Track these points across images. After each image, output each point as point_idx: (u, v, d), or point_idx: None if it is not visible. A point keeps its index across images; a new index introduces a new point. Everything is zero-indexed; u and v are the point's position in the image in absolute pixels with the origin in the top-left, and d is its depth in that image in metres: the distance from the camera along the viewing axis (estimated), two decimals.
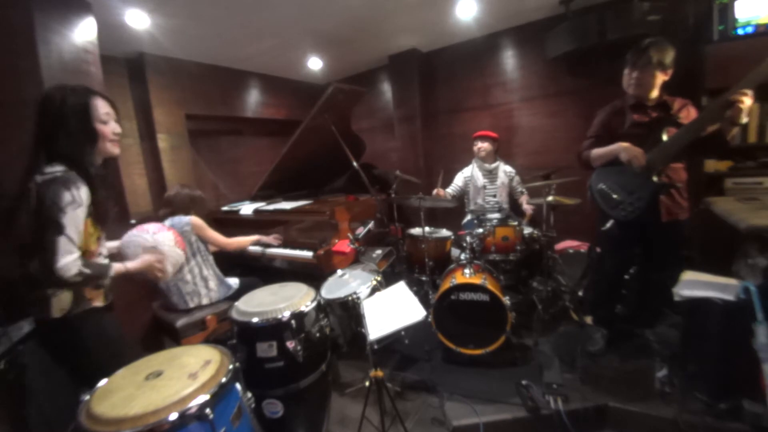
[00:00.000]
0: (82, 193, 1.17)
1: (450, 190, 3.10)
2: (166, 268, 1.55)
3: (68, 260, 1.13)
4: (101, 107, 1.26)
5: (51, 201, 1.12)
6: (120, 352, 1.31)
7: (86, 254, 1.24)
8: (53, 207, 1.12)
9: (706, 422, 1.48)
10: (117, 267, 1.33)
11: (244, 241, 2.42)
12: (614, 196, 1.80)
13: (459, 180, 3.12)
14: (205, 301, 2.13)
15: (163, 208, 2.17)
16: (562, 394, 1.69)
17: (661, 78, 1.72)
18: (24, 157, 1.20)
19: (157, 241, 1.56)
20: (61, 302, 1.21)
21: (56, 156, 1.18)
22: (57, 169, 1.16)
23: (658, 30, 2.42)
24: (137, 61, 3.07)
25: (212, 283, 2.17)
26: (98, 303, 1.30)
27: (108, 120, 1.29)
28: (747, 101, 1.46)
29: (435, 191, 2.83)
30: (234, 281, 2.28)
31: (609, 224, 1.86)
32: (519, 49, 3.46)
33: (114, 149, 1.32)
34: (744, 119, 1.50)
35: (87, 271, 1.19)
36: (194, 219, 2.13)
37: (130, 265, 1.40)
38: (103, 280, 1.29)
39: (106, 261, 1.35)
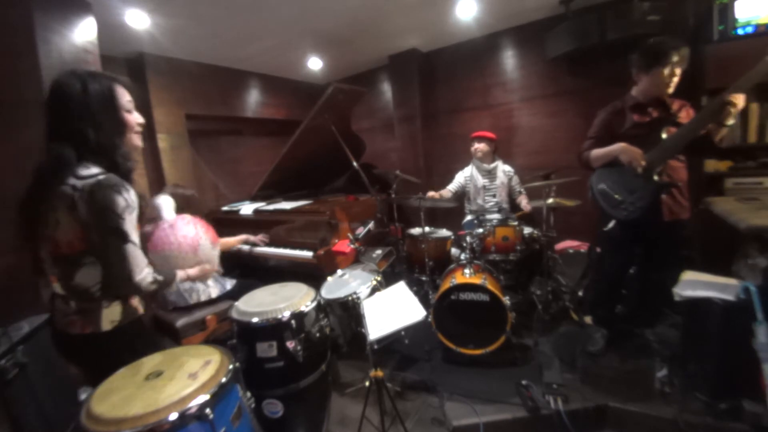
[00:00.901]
0: (133, 195, 1.07)
1: (451, 187, 3.10)
2: (215, 266, 1.59)
3: (143, 268, 1.08)
4: (124, 94, 1.15)
5: (106, 208, 1.01)
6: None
7: None
8: (111, 215, 1.01)
9: (706, 422, 1.49)
10: (181, 274, 1.33)
11: (233, 241, 2.49)
12: (616, 195, 1.80)
13: (460, 178, 3.12)
14: (203, 297, 2.13)
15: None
16: (562, 394, 1.69)
17: None
18: (36, 156, 1.07)
19: (202, 256, 1.56)
20: (112, 314, 1.14)
21: (85, 154, 1.05)
22: (94, 171, 1.04)
23: (658, 30, 2.42)
24: (137, 61, 3.07)
25: (209, 279, 2.19)
26: (140, 311, 1.26)
27: (131, 108, 1.17)
28: (740, 104, 1.48)
29: (429, 194, 2.83)
30: (230, 282, 2.29)
31: (611, 224, 1.86)
32: (519, 49, 3.46)
33: (138, 141, 1.21)
34: (731, 121, 1.52)
35: (160, 278, 1.14)
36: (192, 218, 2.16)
37: (192, 272, 1.41)
38: (170, 287, 1.29)
39: None
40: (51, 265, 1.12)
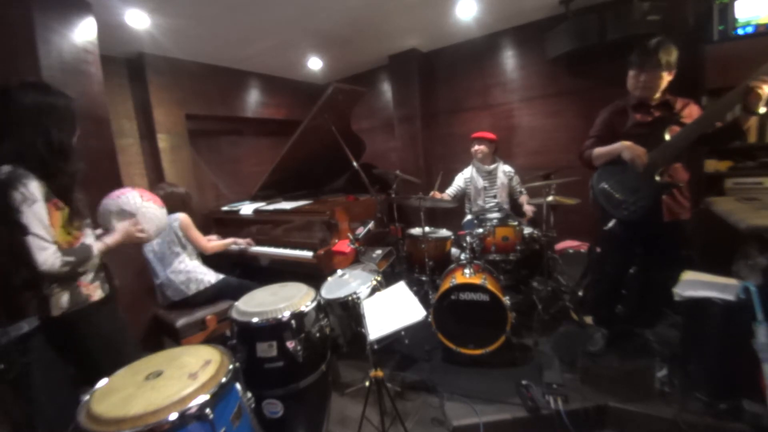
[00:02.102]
0: (31, 188, 1.15)
1: (450, 191, 3.10)
2: (146, 229, 1.50)
3: (45, 255, 1.14)
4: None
5: (5, 205, 1.11)
6: (121, 345, 1.34)
7: (68, 244, 1.25)
8: (9, 209, 1.12)
9: (706, 422, 1.48)
10: (98, 246, 1.33)
11: (222, 245, 2.48)
12: (617, 195, 1.79)
13: (459, 181, 3.11)
14: (201, 287, 2.19)
15: None
16: (562, 394, 1.69)
17: (667, 79, 1.71)
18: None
19: (122, 204, 1.47)
20: (59, 301, 1.22)
21: (17, 154, 1.16)
22: (3, 170, 1.14)
23: (658, 30, 2.42)
24: (137, 61, 3.07)
25: (203, 268, 2.28)
26: (96, 297, 1.31)
27: None
28: (766, 88, 1.43)
29: (432, 194, 2.84)
30: (222, 275, 2.35)
31: (611, 224, 1.86)
32: (519, 49, 3.46)
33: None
34: (762, 109, 1.47)
35: (70, 258, 1.20)
36: (183, 217, 2.23)
37: (109, 240, 1.39)
38: (89, 262, 1.29)
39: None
40: (9, 260, 1.20)
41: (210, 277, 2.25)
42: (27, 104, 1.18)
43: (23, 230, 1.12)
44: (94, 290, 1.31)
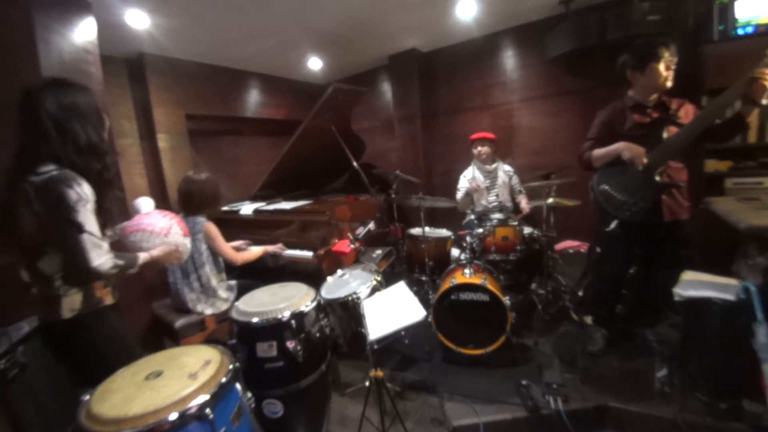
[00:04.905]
0: (85, 189, 1.14)
1: (460, 196, 3.09)
2: (182, 255, 1.61)
3: (100, 253, 1.14)
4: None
5: (58, 202, 1.09)
6: (131, 350, 1.32)
7: None
8: (64, 208, 1.09)
9: (706, 422, 1.48)
10: (144, 256, 1.37)
11: (253, 255, 2.27)
12: (618, 196, 1.80)
13: (464, 183, 3.11)
14: (208, 312, 2.08)
15: (182, 202, 2.13)
16: (562, 394, 1.69)
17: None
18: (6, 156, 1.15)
19: (170, 240, 1.55)
20: (72, 302, 1.19)
21: (52, 155, 1.13)
22: (49, 168, 1.12)
23: (658, 30, 2.43)
24: (137, 61, 3.07)
25: (221, 292, 2.13)
26: (108, 301, 1.29)
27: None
28: None
29: (474, 184, 2.89)
30: (232, 283, 2.28)
31: (613, 225, 1.86)
32: (519, 49, 3.46)
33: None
34: (765, 100, 1.48)
35: (120, 262, 1.22)
36: (208, 227, 2.05)
37: (155, 252, 1.45)
38: (132, 270, 1.31)
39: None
40: (20, 254, 1.19)
41: (222, 303, 2.11)
42: (49, 107, 1.14)
43: (79, 228, 1.11)
44: (107, 294, 1.30)
